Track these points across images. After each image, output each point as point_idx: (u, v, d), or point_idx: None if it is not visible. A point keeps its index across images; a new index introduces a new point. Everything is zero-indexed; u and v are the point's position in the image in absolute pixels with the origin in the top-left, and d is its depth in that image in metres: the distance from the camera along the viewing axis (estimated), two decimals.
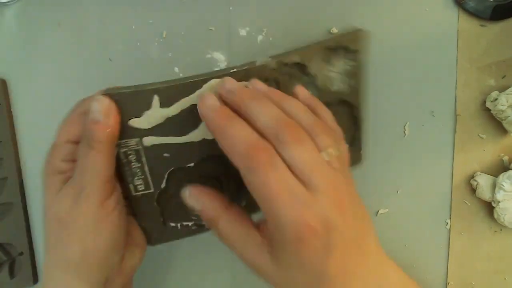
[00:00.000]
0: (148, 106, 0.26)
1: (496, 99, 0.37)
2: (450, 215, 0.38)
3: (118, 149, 0.27)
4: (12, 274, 0.36)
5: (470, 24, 0.39)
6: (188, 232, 0.30)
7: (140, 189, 0.28)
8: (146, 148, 0.27)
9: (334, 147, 0.24)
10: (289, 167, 0.23)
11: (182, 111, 0.27)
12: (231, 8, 0.38)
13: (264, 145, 0.23)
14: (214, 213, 0.26)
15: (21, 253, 0.36)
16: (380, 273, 0.26)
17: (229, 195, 0.31)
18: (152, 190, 0.28)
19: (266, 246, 0.24)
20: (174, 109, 0.27)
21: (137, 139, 0.27)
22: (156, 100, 0.26)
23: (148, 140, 0.27)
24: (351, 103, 0.34)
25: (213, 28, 0.38)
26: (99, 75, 0.38)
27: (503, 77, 0.38)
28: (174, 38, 0.38)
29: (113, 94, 0.26)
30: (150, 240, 0.30)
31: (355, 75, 0.33)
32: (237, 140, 0.23)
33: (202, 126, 0.28)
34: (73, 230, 0.25)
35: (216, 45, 0.38)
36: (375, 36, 0.39)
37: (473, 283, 0.38)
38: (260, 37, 0.38)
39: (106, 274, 0.26)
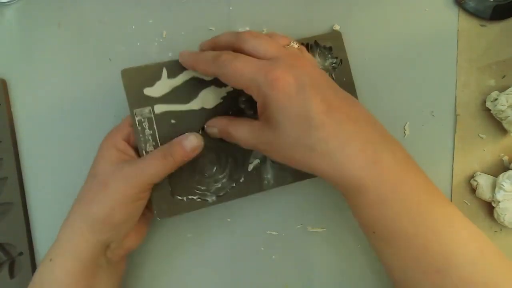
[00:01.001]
0: (158, 77, 0.33)
1: (496, 99, 0.37)
2: None
3: (135, 117, 0.32)
4: (12, 274, 0.36)
5: (470, 24, 0.39)
6: (192, 206, 0.33)
7: None
8: (157, 116, 0.33)
9: (293, 43, 0.32)
10: (254, 56, 0.29)
11: (185, 82, 0.33)
12: (231, 8, 0.38)
13: (224, 51, 0.30)
14: (224, 125, 0.32)
15: (21, 253, 0.36)
16: (372, 121, 0.29)
17: (233, 170, 0.34)
18: None
19: (263, 124, 0.29)
20: (178, 80, 0.33)
21: (149, 107, 0.32)
22: (164, 72, 0.33)
23: (159, 108, 0.33)
24: None
25: (213, 28, 0.38)
26: (99, 75, 0.38)
27: (503, 77, 0.38)
28: (174, 38, 0.38)
29: (132, 68, 0.32)
30: (159, 212, 0.33)
31: (339, 70, 0.37)
32: (206, 58, 0.30)
33: (201, 95, 0.33)
34: (111, 196, 0.30)
35: None
36: (375, 36, 0.39)
37: None
38: None
39: (110, 239, 0.31)
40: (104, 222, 0.30)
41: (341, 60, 0.37)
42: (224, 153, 0.34)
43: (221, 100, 0.34)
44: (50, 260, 0.30)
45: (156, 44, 0.38)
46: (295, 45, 0.31)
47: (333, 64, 0.37)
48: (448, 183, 0.38)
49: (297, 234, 0.37)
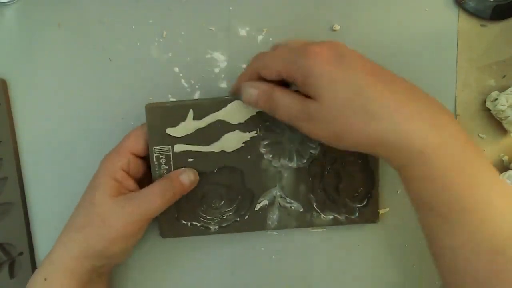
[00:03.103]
0: (183, 118, 0.33)
1: (496, 99, 0.37)
2: None
3: (153, 153, 0.33)
4: (12, 274, 0.36)
5: (470, 24, 0.39)
6: (195, 231, 0.35)
7: None
8: (175, 154, 0.33)
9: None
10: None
11: (209, 125, 0.33)
12: (231, 8, 0.38)
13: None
14: (268, 90, 0.29)
15: (21, 253, 0.36)
16: (421, 90, 0.28)
17: (240, 206, 0.35)
18: None
19: (307, 98, 0.28)
20: (203, 122, 0.33)
21: (169, 146, 0.33)
22: (191, 113, 0.33)
23: (178, 147, 0.33)
24: (365, 156, 0.35)
25: (213, 28, 0.38)
26: (99, 75, 0.38)
27: (503, 77, 0.38)
28: (174, 38, 0.38)
29: (158, 107, 0.33)
30: (163, 233, 0.35)
31: None
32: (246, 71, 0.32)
33: (223, 139, 0.33)
34: (111, 233, 0.30)
35: (216, 45, 0.38)
36: (375, 36, 0.39)
37: None
38: (260, 37, 0.38)
39: (107, 264, 0.33)
40: (102, 254, 0.31)
41: None
42: (235, 190, 0.35)
43: (243, 145, 0.34)
44: (45, 279, 0.30)
45: (156, 44, 0.38)
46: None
47: None
48: None
49: (297, 234, 0.37)
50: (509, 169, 0.37)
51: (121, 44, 0.38)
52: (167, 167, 0.33)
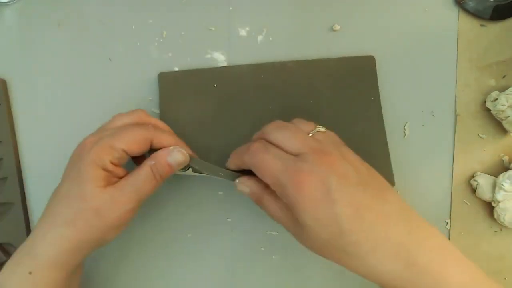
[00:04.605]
0: (184, 170, 0.33)
1: (496, 99, 0.37)
2: (450, 215, 0.38)
3: None
4: None
5: (470, 24, 0.39)
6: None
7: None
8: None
9: (319, 127, 0.31)
10: (280, 148, 0.29)
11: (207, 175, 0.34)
12: (231, 8, 0.38)
13: (258, 140, 0.30)
14: (259, 192, 0.31)
15: None
16: (404, 216, 0.27)
17: None
18: None
19: (294, 219, 0.28)
20: (200, 174, 0.34)
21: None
22: (190, 169, 0.33)
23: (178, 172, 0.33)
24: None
25: (213, 28, 0.38)
26: (99, 75, 0.38)
27: (503, 77, 0.38)
28: (174, 38, 0.38)
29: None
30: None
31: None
32: (241, 149, 0.31)
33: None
34: (104, 225, 0.30)
35: (216, 45, 0.38)
36: (375, 36, 0.39)
37: None
38: (260, 37, 0.38)
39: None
40: (96, 244, 0.30)
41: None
42: None
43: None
44: (30, 273, 0.29)
45: (156, 44, 0.38)
46: (321, 129, 0.31)
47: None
48: (448, 183, 0.38)
49: None
50: (509, 169, 0.37)
51: (121, 44, 0.38)
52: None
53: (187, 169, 0.33)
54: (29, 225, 0.37)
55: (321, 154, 0.28)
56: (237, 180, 0.32)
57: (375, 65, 0.38)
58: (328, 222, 0.26)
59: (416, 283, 0.26)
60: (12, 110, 0.37)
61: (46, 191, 0.37)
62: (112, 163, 0.30)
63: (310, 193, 0.26)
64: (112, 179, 0.31)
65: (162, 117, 0.36)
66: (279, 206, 0.30)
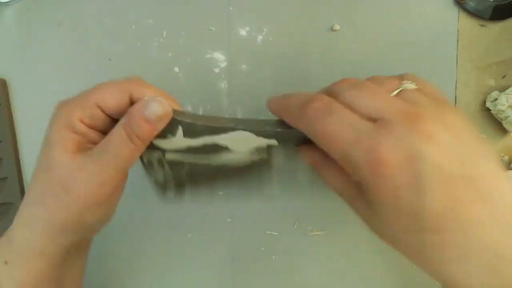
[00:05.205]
0: (173, 133, 0.26)
1: (496, 99, 0.37)
2: None
3: (143, 158, 0.28)
4: None
5: (470, 24, 0.38)
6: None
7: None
8: (168, 160, 0.28)
9: (406, 83, 0.23)
10: (354, 111, 0.22)
11: (205, 145, 0.27)
12: (231, 8, 0.38)
13: (319, 96, 0.22)
14: (316, 162, 0.25)
15: None
16: (509, 205, 0.20)
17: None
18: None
19: (361, 196, 0.23)
20: (196, 142, 0.27)
21: (160, 153, 0.27)
22: (180, 130, 0.26)
23: (170, 156, 0.28)
24: None
25: (213, 28, 0.38)
26: (99, 75, 0.38)
27: (503, 77, 0.38)
28: (174, 38, 0.38)
29: None
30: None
31: None
32: (293, 104, 0.23)
33: (224, 156, 0.28)
34: (78, 200, 0.24)
35: (216, 45, 0.38)
36: (375, 36, 0.39)
37: None
38: (260, 37, 0.38)
39: (86, 237, 0.28)
40: (75, 227, 0.25)
41: None
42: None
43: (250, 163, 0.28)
44: (6, 263, 0.25)
45: (156, 44, 0.38)
46: (411, 86, 0.23)
47: None
48: None
49: (297, 234, 0.37)
50: (509, 169, 0.37)
51: (121, 44, 0.38)
52: (162, 170, 0.28)
53: (176, 133, 0.26)
54: None
55: (412, 120, 0.20)
56: (301, 151, 0.26)
57: None
58: (410, 216, 0.20)
59: None
60: (12, 110, 0.37)
61: None
62: (83, 122, 0.25)
63: (392, 177, 0.20)
64: (86, 145, 0.25)
65: None
66: (344, 178, 0.24)
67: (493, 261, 0.20)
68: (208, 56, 0.38)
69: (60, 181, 0.24)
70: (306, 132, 0.23)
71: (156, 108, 0.24)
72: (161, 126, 0.25)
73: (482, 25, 0.39)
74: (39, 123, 0.37)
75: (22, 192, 0.37)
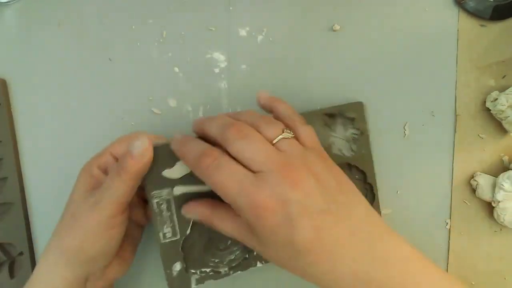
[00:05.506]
0: (178, 158, 0.30)
1: (496, 99, 0.37)
2: (450, 215, 0.38)
3: (152, 199, 0.31)
4: (12, 274, 0.36)
5: (470, 24, 0.39)
6: (206, 278, 0.33)
7: (168, 236, 0.32)
8: (176, 197, 0.31)
9: (285, 133, 0.28)
10: (238, 160, 0.26)
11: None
12: (231, 8, 0.38)
13: (209, 151, 0.27)
14: (206, 216, 0.29)
15: (21, 253, 0.36)
16: (366, 233, 0.26)
17: (242, 246, 0.34)
18: (178, 237, 0.32)
19: (252, 234, 0.27)
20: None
21: (168, 189, 0.31)
22: (178, 164, 0.30)
23: (178, 190, 0.31)
24: (359, 168, 0.36)
25: (213, 28, 0.38)
26: (99, 75, 0.38)
27: (503, 77, 0.38)
28: (174, 38, 0.38)
29: (154, 146, 0.30)
30: (172, 285, 0.32)
31: (359, 142, 0.36)
32: (190, 154, 0.27)
33: None
34: (81, 227, 0.28)
35: (216, 45, 0.38)
36: (375, 36, 0.39)
37: (473, 283, 0.38)
38: (260, 37, 0.38)
39: (89, 272, 0.30)
40: (78, 255, 0.28)
41: (361, 132, 0.36)
42: None
43: None
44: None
45: (156, 44, 0.38)
46: (288, 135, 0.28)
47: (354, 135, 0.36)
48: (448, 183, 0.38)
49: None
50: (509, 169, 0.37)
51: (121, 44, 0.38)
52: (169, 213, 0.31)
53: (173, 164, 0.30)
54: (29, 225, 0.37)
55: (284, 171, 0.25)
56: (182, 210, 0.30)
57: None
58: (287, 245, 0.25)
59: None
60: (12, 110, 0.37)
61: (46, 191, 0.37)
62: (99, 168, 0.31)
63: (269, 218, 0.25)
64: (97, 184, 0.30)
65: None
66: (234, 221, 0.28)
67: (354, 268, 0.25)
68: (208, 56, 0.38)
69: (71, 213, 0.29)
70: (203, 180, 0.27)
71: (138, 145, 0.28)
72: (145, 160, 0.28)
73: (482, 25, 0.39)
74: (39, 123, 0.38)
75: (22, 192, 0.37)
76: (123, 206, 0.29)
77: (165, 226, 0.31)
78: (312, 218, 0.25)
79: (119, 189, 0.28)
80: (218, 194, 0.26)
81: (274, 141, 0.27)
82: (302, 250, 0.25)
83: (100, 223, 0.28)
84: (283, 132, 0.28)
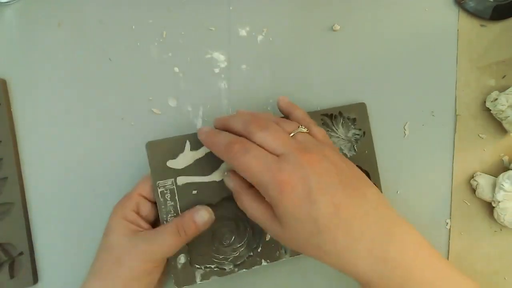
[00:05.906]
0: (181, 150, 0.34)
1: (496, 99, 0.37)
2: (450, 215, 0.38)
3: (158, 189, 0.33)
4: (12, 274, 0.36)
5: (470, 24, 0.39)
6: (210, 274, 0.34)
7: None
8: (179, 187, 0.33)
9: (301, 128, 0.31)
10: (263, 147, 0.29)
11: (207, 154, 0.34)
12: (231, 8, 0.38)
13: (237, 139, 0.30)
14: (241, 188, 0.31)
15: (21, 253, 0.36)
16: (381, 214, 0.28)
17: (251, 239, 0.35)
18: None
19: (274, 218, 0.29)
20: (201, 152, 0.34)
21: (172, 179, 0.33)
22: (188, 144, 0.34)
23: (181, 180, 0.33)
24: (361, 168, 0.36)
25: (213, 28, 0.38)
26: (99, 75, 0.38)
27: (503, 77, 0.38)
28: (174, 38, 0.38)
29: (157, 141, 0.33)
30: (177, 282, 0.34)
31: (361, 142, 0.37)
32: (220, 143, 0.30)
33: (222, 166, 0.34)
34: (126, 273, 0.30)
35: (216, 45, 0.38)
36: (375, 36, 0.39)
37: None
38: (260, 37, 0.38)
39: None
40: None
41: (364, 132, 0.37)
42: (243, 222, 0.35)
43: None
44: None
45: (156, 44, 0.38)
46: (303, 130, 0.31)
47: (356, 136, 0.37)
48: (448, 183, 0.38)
49: None
50: (509, 169, 0.37)
51: (121, 44, 0.38)
52: (172, 203, 0.33)
53: (184, 149, 0.34)
54: (29, 225, 0.37)
55: (302, 154, 0.28)
56: (225, 173, 0.33)
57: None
58: (308, 221, 0.27)
59: (387, 276, 0.27)
60: (12, 110, 0.37)
61: (46, 191, 0.37)
62: (133, 211, 0.33)
63: (291, 194, 0.27)
64: (136, 229, 0.32)
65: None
66: (261, 206, 0.30)
67: (370, 245, 0.27)
68: (208, 56, 0.38)
69: (116, 256, 0.31)
70: (231, 164, 0.30)
71: (205, 215, 0.32)
72: (203, 229, 0.32)
73: (482, 25, 0.39)
74: (39, 123, 0.38)
75: (22, 192, 0.37)
76: (166, 257, 0.32)
77: (169, 215, 0.33)
78: (330, 195, 0.27)
79: (173, 245, 0.31)
80: (244, 176, 0.29)
81: (291, 134, 0.30)
82: (322, 226, 0.27)
83: (145, 271, 0.31)
84: (298, 128, 0.31)
